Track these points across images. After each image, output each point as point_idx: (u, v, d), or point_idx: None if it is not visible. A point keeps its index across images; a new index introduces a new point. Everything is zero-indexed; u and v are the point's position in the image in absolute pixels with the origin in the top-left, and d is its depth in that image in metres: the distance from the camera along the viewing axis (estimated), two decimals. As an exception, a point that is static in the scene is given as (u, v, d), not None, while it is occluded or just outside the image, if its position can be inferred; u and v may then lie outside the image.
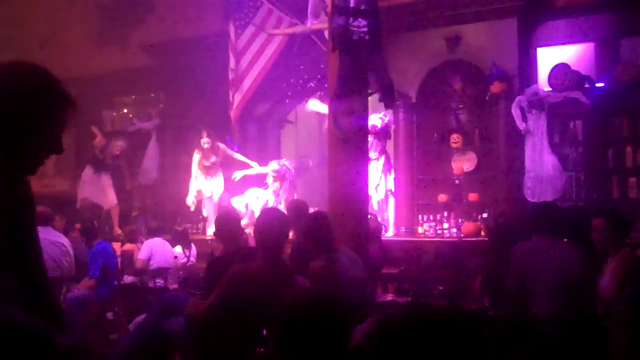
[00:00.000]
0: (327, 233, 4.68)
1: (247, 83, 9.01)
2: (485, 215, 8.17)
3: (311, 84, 9.75)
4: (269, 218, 4.08)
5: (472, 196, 8.49)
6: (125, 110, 11.39)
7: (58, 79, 2.05)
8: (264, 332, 3.96)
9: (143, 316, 4.17)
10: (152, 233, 7.68)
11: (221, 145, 9.06)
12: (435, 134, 8.88)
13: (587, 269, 4.40)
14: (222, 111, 9.31)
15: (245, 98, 9.08)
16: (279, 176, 8.37)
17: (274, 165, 8.42)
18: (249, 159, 9.02)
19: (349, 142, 5.64)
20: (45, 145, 2.05)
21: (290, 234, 4.65)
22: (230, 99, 9.02)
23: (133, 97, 11.40)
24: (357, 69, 5.64)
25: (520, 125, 7.86)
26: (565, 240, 4.52)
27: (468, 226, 8.17)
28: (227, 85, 9.03)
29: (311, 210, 5.91)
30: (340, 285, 4.29)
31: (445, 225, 8.53)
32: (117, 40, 10.96)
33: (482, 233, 7.85)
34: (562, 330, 3.83)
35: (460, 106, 8.87)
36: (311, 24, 7.70)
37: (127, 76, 10.71)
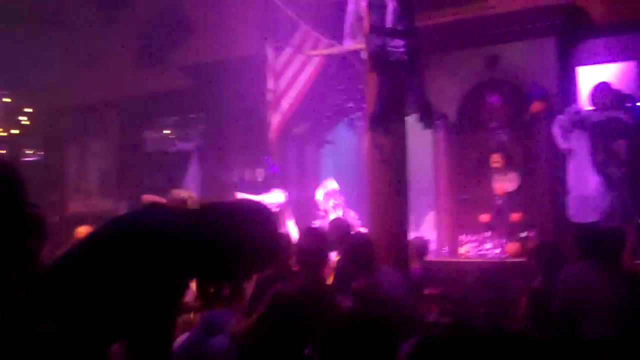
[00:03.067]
0: (370, 253, 4.69)
1: (285, 104, 9.06)
2: (524, 234, 8.06)
3: (350, 104, 9.78)
4: (310, 238, 4.09)
5: (515, 216, 8.39)
6: (167, 132, 11.53)
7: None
8: (305, 352, 3.96)
9: (186, 334, 4.19)
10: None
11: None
12: (475, 154, 8.82)
13: (632, 292, 4.34)
14: (261, 132, 9.37)
15: (284, 119, 9.13)
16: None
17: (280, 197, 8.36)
18: (289, 179, 9.04)
19: (388, 163, 5.64)
20: None
21: (333, 254, 4.67)
22: (269, 119, 9.08)
23: (174, 118, 11.55)
24: (395, 90, 5.65)
25: (562, 144, 7.76)
26: (607, 261, 4.46)
27: (511, 247, 8.07)
28: (265, 106, 9.10)
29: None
30: (382, 305, 4.29)
31: (488, 246, 8.44)
32: (157, 62, 11.13)
33: (523, 254, 7.76)
34: (612, 353, 3.77)
35: (500, 126, 8.80)
36: (348, 44, 7.74)
37: (167, 98, 10.87)
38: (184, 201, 6.12)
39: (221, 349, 3.95)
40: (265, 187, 9.08)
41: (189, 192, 6.64)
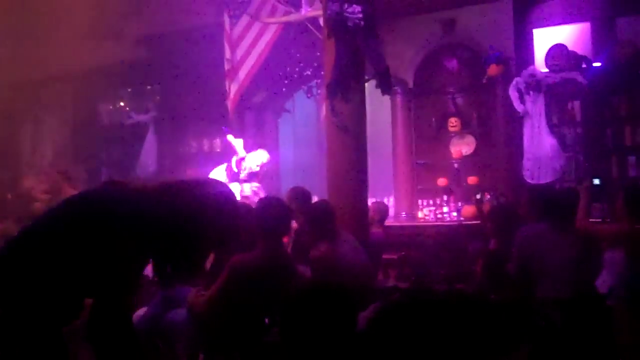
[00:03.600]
0: (331, 221, 4.69)
1: (243, 73, 8.97)
2: (478, 196, 8.14)
3: (307, 72, 9.71)
4: (269, 206, 4.07)
5: (472, 179, 8.48)
6: (122, 104, 11.34)
7: None
8: (266, 321, 3.97)
9: (144, 309, 4.17)
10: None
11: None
12: (433, 119, 8.86)
13: (586, 251, 4.43)
14: (218, 102, 9.28)
15: (242, 88, 9.04)
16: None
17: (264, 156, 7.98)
18: (247, 149, 8.95)
19: (347, 130, 5.64)
20: None
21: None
22: (227, 89, 8.99)
23: (129, 90, 11.36)
24: (353, 56, 5.63)
25: (518, 107, 7.84)
26: (562, 222, 4.53)
27: (468, 210, 8.17)
28: (223, 76, 9.00)
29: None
30: (341, 273, 4.31)
31: (445, 210, 8.54)
32: (112, 33, 10.90)
33: (478, 215, 7.85)
34: (568, 312, 3.86)
35: (458, 90, 8.84)
36: (306, 11, 7.67)
37: (122, 69, 10.66)
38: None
39: (180, 322, 3.95)
40: (223, 158, 8.99)
41: None
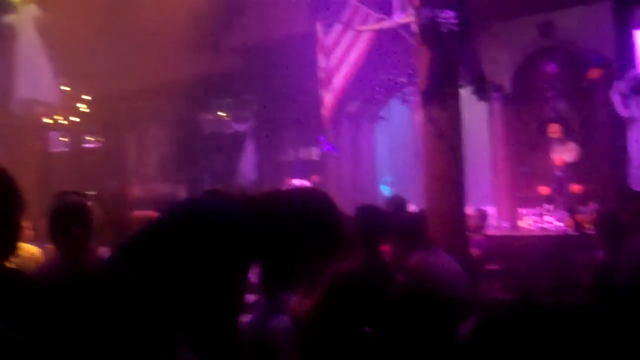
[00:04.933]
0: (424, 230, 4.66)
1: (337, 81, 9.02)
2: (586, 206, 7.87)
3: (402, 78, 9.68)
4: (368, 215, 4.08)
5: (575, 188, 8.20)
6: (222, 114, 11.63)
7: None
8: (366, 329, 3.97)
9: (249, 316, 4.25)
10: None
11: None
12: (533, 125, 8.65)
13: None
14: (314, 111, 9.38)
15: (337, 96, 9.09)
16: None
17: None
18: (343, 157, 9.01)
19: (443, 137, 5.59)
20: None
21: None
22: (322, 98, 9.07)
23: (228, 100, 11.64)
24: (447, 62, 5.58)
25: (622, 111, 7.55)
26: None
27: (572, 219, 7.91)
28: (317, 85, 9.09)
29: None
30: (437, 282, 4.27)
31: (548, 219, 8.29)
32: (209, 45, 11.21)
33: (587, 226, 7.59)
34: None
35: (557, 95, 8.60)
36: (398, 18, 7.65)
37: (221, 79, 10.96)
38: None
39: (282, 330, 4.00)
40: (320, 166, 9.12)
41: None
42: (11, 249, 1.52)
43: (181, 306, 2.37)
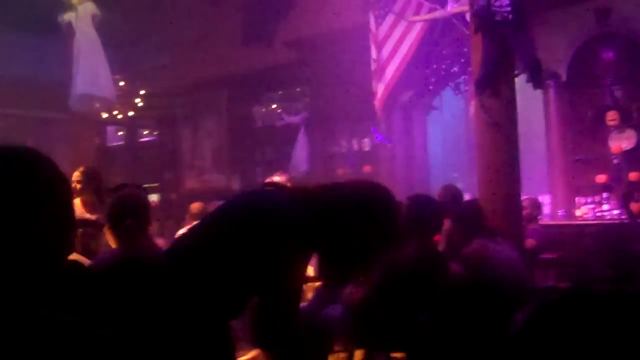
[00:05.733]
0: (480, 219, 4.64)
1: (389, 72, 9.00)
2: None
3: (455, 68, 9.60)
4: (422, 204, 4.08)
5: (633, 176, 8.03)
6: (274, 106, 11.73)
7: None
8: (420, 319, 3.98)
9: (303, 305, 4.30)
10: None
11: None
12: (589, 112, 8.48)
13: None
14: (366, 102, 9.38)
15: (389, 87, 9.07)
16: None
17: None
18: (396, 147, 9.00)
19: (497, 127, 5.53)
20: None
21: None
22: (374, 89, 9.06)
23: (280, 92, 11.72)
24: (502, 50, 5.51)
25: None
26: None
27: (631, 207, 7.75)
28: (369, 76, 9.08)
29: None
30: (494, 271, 4.24)
31: (606, 207, 8.13)
32: (261, 38, 11.31)
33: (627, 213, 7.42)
34: None
35: (615, 82, 8.41)
36: (451, 7, 7.59)
37: (273, 72, 11.04)
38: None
39: (336, 318, 4.05)
40: (372, 157, 9.11)
41: (283, 177, 6.62)
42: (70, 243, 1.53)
43: (240, 297, 2.42)
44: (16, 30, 11.08)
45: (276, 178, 6.34)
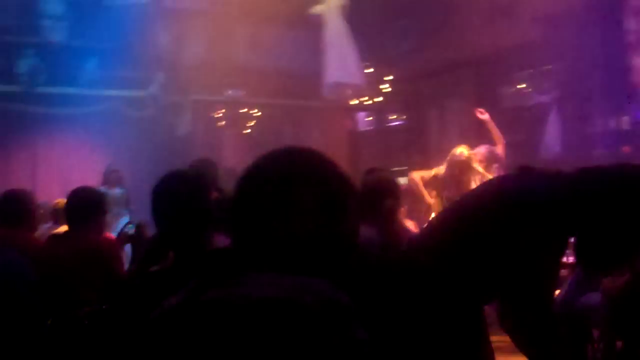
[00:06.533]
0: None
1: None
2: None
3: None
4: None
5: None
6: (522, 86, 11.40)
7: None
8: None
9: (559, 291, 4.20)
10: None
11: None
12: None
13: None
14: (623, 77, 8.80)
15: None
16: None
17: None
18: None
19: None
20: None
21: None
22: (631, 63, 8.48)
23: (528, 71, 11.35)
24: None
25: None
26: None
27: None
28: (625, 49, 8.51)
29: None
30: None
31: None
32: (508, 15, 11.03)
33: None
34: None
35: None
36: None
37: (519, 51, 10.73)
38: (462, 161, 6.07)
39: (595, 307, 3.89)
40: (632, 136, 8.55)
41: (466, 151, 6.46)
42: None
43: (494, 285, 2.44)
44: (273, 26, 11.89)
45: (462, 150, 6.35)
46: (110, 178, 9.62)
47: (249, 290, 1.17)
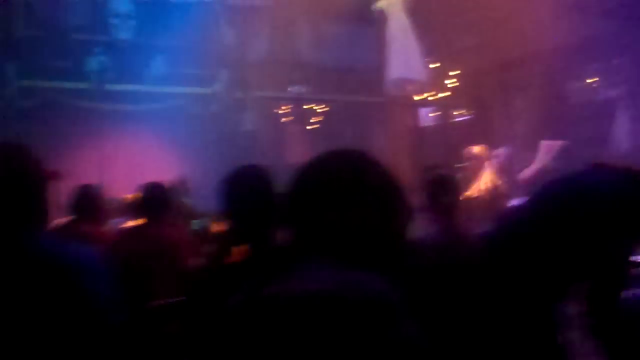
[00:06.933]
0: None
1: None
2: None
3: None
4: None
5: None
6: (590, 80, 11.14)
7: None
8: None
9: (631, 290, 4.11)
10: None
11: None
12: None
13: None
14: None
15: None
16: None
17: None
18: None
19: None
20: None
21: None
22: None
23: (596, 65, 11.09)
24: None
25: None
26: None
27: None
28: None
29: None
30: None
31: None
32: (577, 9, 10.79)
33: None
34: None
35: None
36: None
37: (587, 45, 10.49)
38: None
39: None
40: None
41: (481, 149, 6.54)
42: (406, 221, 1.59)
43: (566, 281, 2.41)
44: (335, 22, 11.92)
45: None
46: (179, 188, 9.75)
47: (305, 285, 1.25)
